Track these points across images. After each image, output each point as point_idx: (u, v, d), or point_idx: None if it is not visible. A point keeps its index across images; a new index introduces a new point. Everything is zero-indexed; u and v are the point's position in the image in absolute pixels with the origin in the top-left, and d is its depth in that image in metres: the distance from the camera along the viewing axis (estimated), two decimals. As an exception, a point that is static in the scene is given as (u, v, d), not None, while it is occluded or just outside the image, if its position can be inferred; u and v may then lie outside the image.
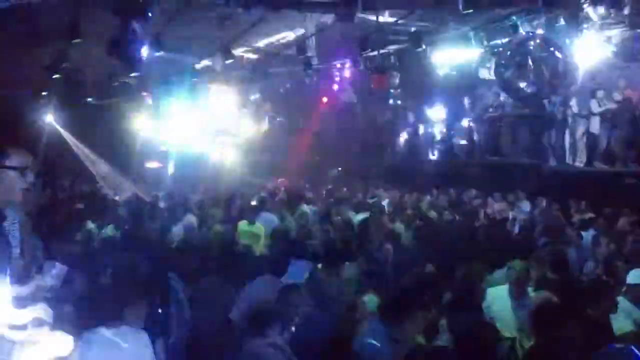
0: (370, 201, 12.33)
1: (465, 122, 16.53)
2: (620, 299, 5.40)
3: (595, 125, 12.79)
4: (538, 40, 10.69)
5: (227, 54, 10.86)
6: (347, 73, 13.10)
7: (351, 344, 4.81)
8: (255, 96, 16.90)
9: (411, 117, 17.86)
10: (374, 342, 4.67)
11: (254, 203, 11.24)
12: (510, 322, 5.58)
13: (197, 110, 14.24)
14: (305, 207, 11.39)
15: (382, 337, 4.74)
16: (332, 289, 6.02)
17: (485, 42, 11.30)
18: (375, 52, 11.76)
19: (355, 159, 17.74)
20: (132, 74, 12.25)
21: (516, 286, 5.82)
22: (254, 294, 5.68)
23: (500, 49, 11.13)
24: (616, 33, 9.98)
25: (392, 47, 12.45)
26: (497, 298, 5.93)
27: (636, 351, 4.14)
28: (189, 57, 12.47)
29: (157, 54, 9.49)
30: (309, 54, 11.93)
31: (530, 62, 11.02)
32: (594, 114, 12.75)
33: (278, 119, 18.56)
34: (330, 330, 5.00)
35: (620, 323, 5.28)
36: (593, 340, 4.82)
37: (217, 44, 11.10)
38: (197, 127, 16.06)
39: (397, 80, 12.58)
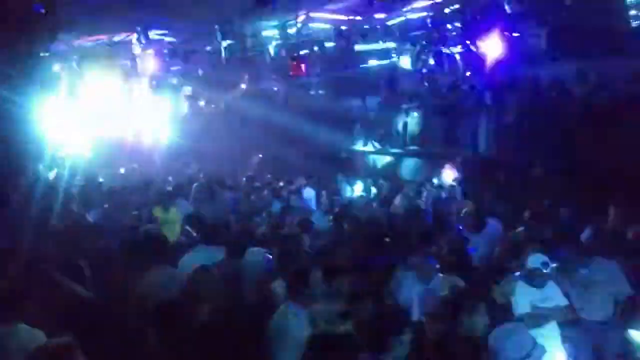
0: (291, 188, 12.36)
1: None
2: (519, 282, 5.68)
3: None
4: (455, 33, 11.06)
5: (144, 34, 10.59)
6: (267, 59, 13.01)
7: (265, 327, 4.89)
8: (174, 79, 16.54)
9: (333, 106, 17.99)
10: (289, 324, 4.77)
11: (170, 189, 11.06)
12: (418, 307, 5.77)
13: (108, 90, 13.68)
14: (225, 194, 11.33)
15: (298, 320, 4.83)
16: (245, 274, 6.06)
17: (404, 34, 11.55)
18: (296, 39, 11.75)
19: (277, 147, 17.70)
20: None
21: (424, 271, 6.01)
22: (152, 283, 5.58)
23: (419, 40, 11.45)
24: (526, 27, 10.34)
25: (313, 36, 12.50)
26: (406, 283, 6.12)
27: (525, 327, 4.49)
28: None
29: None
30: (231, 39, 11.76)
31: (446, 53, 11.39)
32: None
33: (199, 103, 18.28)
34: (244, 314, 5.03)
35: (520, 305, 5.56)
36: (496, 321, 5.06)
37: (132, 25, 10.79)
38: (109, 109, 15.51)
39: (317, 69, 12.64)
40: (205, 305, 4.72)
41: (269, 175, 14.89)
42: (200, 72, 15.50)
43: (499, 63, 10.59)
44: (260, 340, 4.88)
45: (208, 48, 13.11)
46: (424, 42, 11.34)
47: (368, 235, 7.67)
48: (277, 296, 5.35)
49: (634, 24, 10.18)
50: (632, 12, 10.35)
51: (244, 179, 13.94)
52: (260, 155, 17.68)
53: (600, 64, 11.95)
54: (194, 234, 7.76)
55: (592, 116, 11.56)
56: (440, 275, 6.03)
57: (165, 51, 12.67)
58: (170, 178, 13.91)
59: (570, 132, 11.76)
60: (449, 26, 11.07)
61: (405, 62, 11.99)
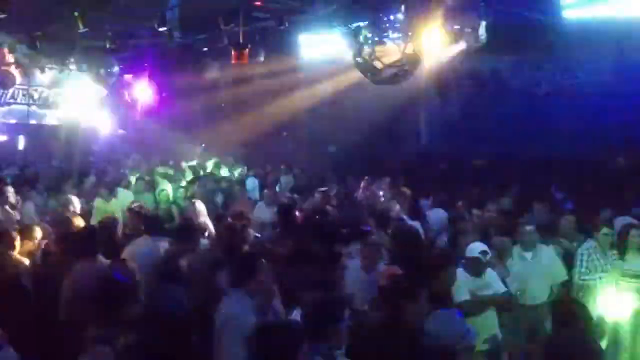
0: (235, 178, 12.29)
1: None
2: (459, 270, 5.82)
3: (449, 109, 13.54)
4: (396, 25, 11.15)
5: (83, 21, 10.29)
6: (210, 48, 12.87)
7: (211, 317, 4.87)
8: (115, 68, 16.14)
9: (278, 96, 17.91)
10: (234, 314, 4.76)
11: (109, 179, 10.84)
12: (362, 296, 5.83)
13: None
14: (167, 184, 11.16)
15: (243, 310, 4.83)
16: (189, 264, 6.01)
17: (347, 24, 11.59)
18: (238, 28, 11.62)
19: (221, 135, 17.53)
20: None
21: (367, 260, 6.09)
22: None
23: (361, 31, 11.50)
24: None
25: (257, 25, 12.41)
26: (351, 272, 6.19)
27: (459, 312, 4.72)
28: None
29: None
30: (170, 26, 11.54)
31: (387, 45, 11.48)
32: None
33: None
34: (189, 304, 5.00)
35: (459, 293, 5.70)
36: (435, 308, 5.17)
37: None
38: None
39: (261, 58, 12.55)
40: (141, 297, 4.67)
41: (213, 166, 14.74)
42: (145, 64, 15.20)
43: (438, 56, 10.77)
44: (206, 330, 4.85)
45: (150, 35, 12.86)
46: (367, 35, 11.38)
47: (312, 226, 7.70)
48: (222, 286, 5.32)
49: (568, 19, 10.51)
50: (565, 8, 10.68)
51: (186, 169, 13.77)
52: (204, 145, 17.46)
53: (535, 57, 12.33)
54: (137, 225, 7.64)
55: (530, 108, 11.91)
56: (383, 264, 6.12)
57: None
58: (110, 168, 13.62)
59: (508, 123, 12.09)
60: (392, 17, 11.16)
61: (347, 53, 12.03)
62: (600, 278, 6.71)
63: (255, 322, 4.42)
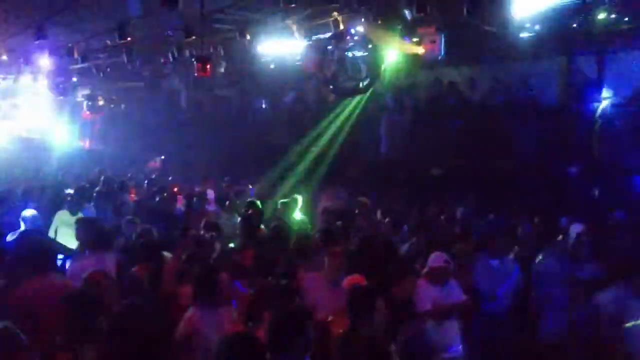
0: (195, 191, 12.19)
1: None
2: (422, 280, 5.91)
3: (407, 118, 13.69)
4: (357, 38, 11.30)
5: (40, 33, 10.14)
6: (171, 60, 12.79)
7: (173, 332, 4.85)
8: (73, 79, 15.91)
9: (236, 107, 17.91)
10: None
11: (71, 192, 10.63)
12: (326, 306, 5.86)
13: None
14: (126, 197, 11.03)
15: (205, 323, 4.82)
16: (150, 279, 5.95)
17: (308, 36, 11.68)
18: (200, 40, 11.60)
19: (181, 149, 17.41)
20: None
21: (331, 271, 6.12)
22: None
23: (323, 44, 11.62)
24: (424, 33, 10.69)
25: (218, 36, 12.42)
26: (315, 283, 6.21)
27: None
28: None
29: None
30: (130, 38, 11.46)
31: (349, 58, 11.63)
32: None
33: (98, 103, 17.69)
34: (153, 319, 4.95)
35: (422, 302, 5.78)
36: (398, 318, 5.25)
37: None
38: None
39: (222, 70, 12.55)
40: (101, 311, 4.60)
41: (170, 178, 14.62)
42: (99, 72, 14.98)
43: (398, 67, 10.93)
44: (168, 346, 4.82)
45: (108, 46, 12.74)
46: (328, 47, 11.52)
47: (275, 237, 7.71)
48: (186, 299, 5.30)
49: (523, 32, 10.78)
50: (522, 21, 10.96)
51: (146, 181, 13.62)
52: (163, 157, 17.31)
53: (493, 69, 12.63)
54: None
55: (486, 119, 12.16)
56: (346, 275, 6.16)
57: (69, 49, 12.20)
58: (67, 181, 13.38)
59: (465, 134, 12.31)
60: (352, 31, 11.29)
61: (310, 64, 12.13)
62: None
63: (218, 335, 4.42)
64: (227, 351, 3.83)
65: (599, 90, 11.59)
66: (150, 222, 8.43)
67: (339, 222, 8.54)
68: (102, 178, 12.72)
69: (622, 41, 11.00)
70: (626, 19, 9.92)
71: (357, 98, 13.56)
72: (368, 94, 13.01)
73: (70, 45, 12.51)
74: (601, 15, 9.81)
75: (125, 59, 12.03)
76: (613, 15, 9.80)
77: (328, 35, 11.42)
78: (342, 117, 14.68)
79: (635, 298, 5.43)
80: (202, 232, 7.84)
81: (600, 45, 11.25)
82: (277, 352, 4.08)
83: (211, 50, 12.19)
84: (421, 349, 5.46)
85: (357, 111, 13.88)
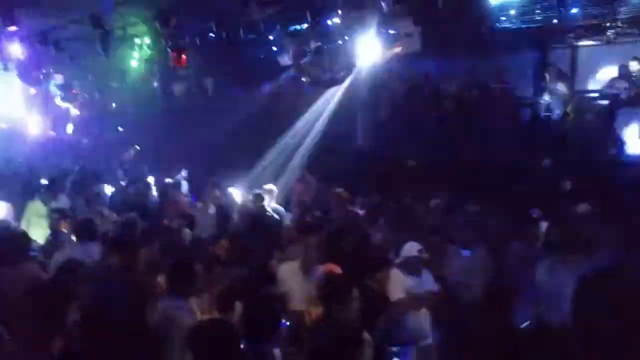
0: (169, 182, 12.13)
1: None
2: (395, 269, 5.97)
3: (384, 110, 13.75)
4: (333, 29, 11.32)
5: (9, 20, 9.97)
6: (145, 48, 12.69)
7: (148, 321, 4.84)
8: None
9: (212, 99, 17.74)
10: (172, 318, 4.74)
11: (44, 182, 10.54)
12: (301, 296, 5.89)
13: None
14: (101, 187, 10.93)
15: (180, 313, 4.82)
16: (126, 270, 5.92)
17: (285, 28, 11.68)
18: (176, 30, 11.52)
19: (155, 138, 17.24)
20: None
21: (307, 261, 6.16)
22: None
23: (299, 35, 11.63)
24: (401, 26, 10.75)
25: (193, 27, 12.34)
26: (290, 273, 6.24)
27: None
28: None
29: None
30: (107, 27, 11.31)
31: (326, 49, 11.64)
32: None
33: (72, 92, 17.45)
34: (126, 309, 4.94)
35: (395, 291, 5.84)
36: (372, 306, 5.30)
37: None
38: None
39: (197, 60, 12.48)
40: (74, 301, 4.58)
41: (146, 168, 14.49)
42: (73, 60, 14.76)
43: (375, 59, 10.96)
44: (142, 335, 4.81)
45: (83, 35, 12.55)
46: (303, 38, 11.52)
47: (249, 227, 7.72)
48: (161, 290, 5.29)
49: (499, 25, 10.91)
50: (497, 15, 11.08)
51: (121, 172, 13.50)
52: (138, 147, 17.13)
53: (468, 61, 12.73)
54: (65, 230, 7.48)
55: (462, 111, 12.27)
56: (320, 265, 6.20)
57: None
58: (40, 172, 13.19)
59: (441, 126, 12.41)
60: (329, 22, 11.30)
61: (285, 56, 12.13)
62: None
63: (192, 324, 4.43)
64: (200, 338, 3.84)
65: (571, 83, 11.78)
66: (124, 212, 8.39)
67: (314, 213, 8.57)
68: (77, 168, 12.60)
69: (594, 36, 11.19)
70: (597, 13, 10.07)
71: (334, 89, 13.57)
72: (345, 85, 13.06)
73: (43, 33, 12.32)
74: (574, 10, 9.96)
75: (99, 48, 11.87)
76: (586, 10, 9.95)
77: (305, 26, 11.42)
78: (318, 109, 14.69)
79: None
80: (175, 222, 7.82)
81: (573, 39, 11.42)
82: (251, 340, 4.10)
83: (187, 40, 12.10)
84: (394, 338, 5.53)
85: (334, 102, 13.88)
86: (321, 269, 6.05)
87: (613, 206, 8.16)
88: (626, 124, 10.44)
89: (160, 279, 5.48)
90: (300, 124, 15.18)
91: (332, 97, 13.80)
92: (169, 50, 11.58)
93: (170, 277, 5.14)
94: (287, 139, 15.43)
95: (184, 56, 10.68)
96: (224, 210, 8.73)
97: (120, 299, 5.16)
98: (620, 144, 10.46)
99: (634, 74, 10.60)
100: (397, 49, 11.26)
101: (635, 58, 10.64)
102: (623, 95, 10.55)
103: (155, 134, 17.03)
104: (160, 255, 6.22)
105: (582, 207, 8.14)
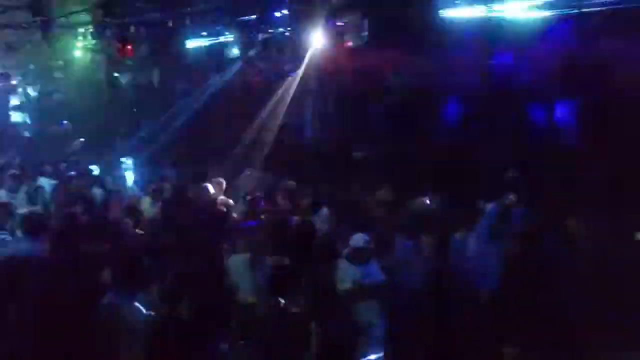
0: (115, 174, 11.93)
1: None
2: (342, 260, 6.03)
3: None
4: (282, 20, 11.29)
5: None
6: (91, 38, 12.38)
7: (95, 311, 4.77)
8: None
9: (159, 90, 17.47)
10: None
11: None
12: (250, 288, 5.90)
13: None
14: (43, 181, 10.65)
15: (128, 308, 4.77)
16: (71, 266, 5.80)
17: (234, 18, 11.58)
18: (122, 20, 11.31)
19: (100, 130, 16.89)
20: None
21: (254, 253, 6.16)
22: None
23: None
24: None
25: (141, 17, 12.12)
26: (238, 265, 6.23)
27: None
28: None
29: None
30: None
31: (274, 40, 11.60)
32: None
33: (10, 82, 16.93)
34: (71, 305, 4.86)
35: (342, 282, 5.90)
36: (319, 297, 5.35)
37: None
38: None
39: (144, 50, 12.26)
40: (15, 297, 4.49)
41: (91, 161, 14.18)
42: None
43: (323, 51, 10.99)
44: (87, 331, 4.74)
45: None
46: (251, 30, 11.47)
47: (196, 219, 7.67)
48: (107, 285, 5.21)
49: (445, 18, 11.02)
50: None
51: (64, 165, 13.17)
52: (82, 140, 16.75)
53: (416, 54, 12.85)
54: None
55: (406, 104, 12.40)
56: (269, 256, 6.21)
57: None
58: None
59: (388, 118, 12.53)
60: (277, 14, 11.27)
61: (234, 48, 12.05)
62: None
63: (144, 318, 4.39)
64: (154, 333, 3.81)
65: (517, 79, 12.01)
66: (68, 206, 8.22)
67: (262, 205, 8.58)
68: (17, 161, 12.24)
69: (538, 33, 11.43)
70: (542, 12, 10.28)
71: (282, 82, 13.53)
72: (293, 77, 13.02)
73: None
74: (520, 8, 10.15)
75: (40, 37, 11.55)
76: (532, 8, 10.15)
77: (253, 17, 11.36)
78: (266, 101, 14.63)
79: None
80: (122, 216, 7.70)
81: (518, 36, 11.63)
82: (202, 334, 4.10)
83: (132, 30, 11.88)
84: (344, 329, 5.59)
85: (282, 95, 13.83)
86: (270, 260, 6.07)
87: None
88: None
89: (106, 274, 5.39)
90: (250, 115, 15.10)
91: (280, 89, 13.75)
92: (113, 39, 11.32)
93: (115, 272, 5.07)
94: (237, 131, 15.33)
95: (129, 46, 10.47)
96: (171, 204, 8.62)
97: (65, 295, 5.07)
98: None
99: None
100: (346, 41, 11.31)
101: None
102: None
103: (101, 125, 16.69)
104: (105, 250, 6.11)
105: (510, 198, 8.45)
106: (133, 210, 8.04)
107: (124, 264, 5.10)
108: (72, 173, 11.55)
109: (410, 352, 5.93)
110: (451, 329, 4.97)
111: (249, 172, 11.85)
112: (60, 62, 16.61)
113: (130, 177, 11.64)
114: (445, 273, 6.53)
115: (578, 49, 10.28)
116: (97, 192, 10.27)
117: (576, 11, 9.71)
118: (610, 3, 9.31)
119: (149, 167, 12.93)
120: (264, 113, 14.26)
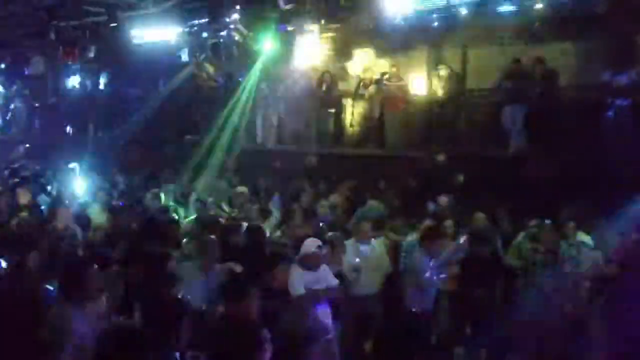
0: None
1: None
2: (295, 265, 6.02)
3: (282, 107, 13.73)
4: (232, 26, 11.25)
5: None
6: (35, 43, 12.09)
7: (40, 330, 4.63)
8: None
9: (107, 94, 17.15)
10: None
11: None
12: (200, 294, 5.83)
13: None
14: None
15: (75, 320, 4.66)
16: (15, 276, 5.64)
17: (183, 22, 11.47)
18: (67, 23, 11.06)
19: (47, 136, 16.48)
20: None
21: (205, 259, 6.10)
22: None
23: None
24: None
25: (87, 20, 11.88)
26: (188, 272, 6.15)
27: None
28: None
29: None
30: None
31: (224, 45, 11.55)
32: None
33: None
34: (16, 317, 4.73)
35: (296, 287, 5.90)
36: (273, 303, 5.32)
37: None
38: None
39: (91, 54, 12.01)
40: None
41: (37, 167, 13.81)
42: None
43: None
44: (33, 344, 4.60)
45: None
46: (203, 34, 11.40)
47: (144, 227, 7.55)
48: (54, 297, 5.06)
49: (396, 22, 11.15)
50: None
51: (7, 171, 12.78)
52: (28, 145, 16.29)
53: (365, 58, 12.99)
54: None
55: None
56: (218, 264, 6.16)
57: None
58: None
59: (341, 122, 12.65)
60: (227, 19, 11.21)
61: (183, 50, 11.95)
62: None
63: (89, 331, 4.28)
64: (108, 346, 3.72)
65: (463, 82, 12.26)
66: (11, 214, 7.99)
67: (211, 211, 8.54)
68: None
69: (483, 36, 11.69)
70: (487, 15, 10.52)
71: (234, 86, 13.45)
72: (245, 81, 12.98)
73: None
74: (464, 12, 10.37)
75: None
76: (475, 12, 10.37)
77: (203, 21, 11.28)
78: (218, 106, 14.54)
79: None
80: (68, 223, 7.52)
81: (463, 40, 11.87)
82: (155, 343, 4.02)
83: (79, 34, 11.64)
84: (297, 335, 5.58)
85: (234, 99, 13.75)
86: (220, 267, 6.03)
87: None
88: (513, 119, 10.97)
89: (52, 285, 5.25)
90: (202, 121, 14.96)
91: (232, 93, 13.66)
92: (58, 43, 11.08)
93: (61, 282, 4.93)
94: (188, 136, 15.18)
95: (75, 50, 10.24)
96: (119, 211, 8.48)
97: (10, 306, 4.92)
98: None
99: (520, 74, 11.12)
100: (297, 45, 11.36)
101: (516, 60, 11.17)
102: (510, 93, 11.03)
103: (48, 131, 16.30)
104: (50, 259, 5.96)
105: (443, 200, 8.68)
106: (81, 218, 7.87)
107: (69, 274, 4.96)
108: (16, 180, 11.20)
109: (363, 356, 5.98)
110: (402, 330, 5.01)
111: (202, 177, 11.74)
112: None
113: (78, 184, 11.36)
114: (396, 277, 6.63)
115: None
116: (43, 199, 10.02)
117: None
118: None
119: (97, 173, 12.64)
120: (215, 118, 14.18)
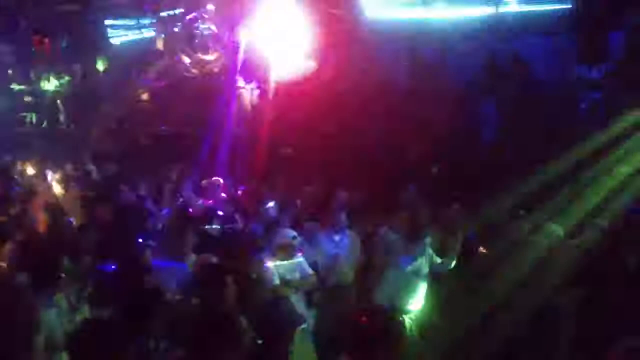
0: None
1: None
2: (270, 256, 6.05)
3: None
4: (206, 16, 11.18)
5: None
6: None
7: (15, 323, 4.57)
8: None
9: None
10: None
11: None
12: (174, 285, 5.81)
13: None
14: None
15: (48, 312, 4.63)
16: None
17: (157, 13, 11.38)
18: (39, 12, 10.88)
19: (20, 127, 16.21)
20: None
21: (178, 250, 6.10)
22: None
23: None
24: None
25: (59, 8, 11.71)
26: (165, 262, 6.14)
27: None
28: None
29: None
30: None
31: (199, 35, 11.49)
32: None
33: None
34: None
35: (269, 277, 5.93)
36: (248, 293, 5.34)
37: None
38: None
39: (63, 44, 11.85)
40: None
41: (8, 159, 13.59)
42: None
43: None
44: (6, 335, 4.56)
45: None
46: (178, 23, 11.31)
47: (119, 218, 7.51)
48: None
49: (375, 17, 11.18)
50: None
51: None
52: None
53: (339, 52, 12.98)
54: None
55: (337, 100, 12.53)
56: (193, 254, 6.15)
57: None
58: None
59: (315, 115, 12.65)
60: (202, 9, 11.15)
61: (158, 41, 11.84)
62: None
63: (68, 321, 4.26)
64: (82, 339, 3.69)
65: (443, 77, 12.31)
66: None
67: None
68: None
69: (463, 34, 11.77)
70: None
71: (208, 76, 13.34)
72: (218, 71, 12.88)
73: None
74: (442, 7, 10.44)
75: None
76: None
77: (178, 12, 11.20)
78: (194, 95, 14.42)
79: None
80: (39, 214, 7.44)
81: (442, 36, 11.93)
82: (126, 334, 4.00)
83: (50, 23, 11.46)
84: (273, 323, 5.61)
85: (208, 90, 13.65)
86: (196, 258, 6.02)
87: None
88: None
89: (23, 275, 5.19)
90: (178, 111, 14.83)
91: (207, 83, 13.56)
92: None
93: (32, 273, 4.88)
94: (165, 127, 15.04)
95: (46, 40, 10.08)
96: (91, 202, 8.40)
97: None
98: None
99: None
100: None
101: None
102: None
103: (21, 122, 16.04)
104: (21, 251, 5.89)
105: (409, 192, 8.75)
106: (52, 207, 7.77)
107: (40, 265, 4.91)
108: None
109: (338, 345, 6.01)
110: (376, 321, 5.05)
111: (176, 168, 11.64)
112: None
113: (48, 174, 11.23)
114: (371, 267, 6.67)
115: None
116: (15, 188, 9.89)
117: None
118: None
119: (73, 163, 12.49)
120: (190, 110, 14.08)
